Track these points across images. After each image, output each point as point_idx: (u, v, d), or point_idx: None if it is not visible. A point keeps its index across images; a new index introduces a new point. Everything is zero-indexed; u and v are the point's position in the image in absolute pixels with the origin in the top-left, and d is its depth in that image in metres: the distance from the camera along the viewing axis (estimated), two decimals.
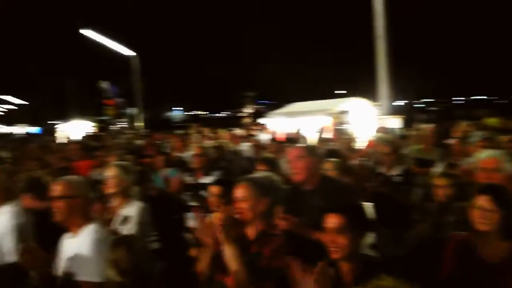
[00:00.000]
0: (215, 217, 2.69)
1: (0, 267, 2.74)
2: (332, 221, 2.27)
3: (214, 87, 58.04)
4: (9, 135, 39.33)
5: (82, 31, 19.26)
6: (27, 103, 53.51)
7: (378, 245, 3.59)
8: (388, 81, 11.14)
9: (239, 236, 2.66)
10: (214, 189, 3.52)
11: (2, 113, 61.75)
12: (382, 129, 8.77)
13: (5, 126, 56.24)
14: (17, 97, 53.00)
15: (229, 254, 2.54)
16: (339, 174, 4.18)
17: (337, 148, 6.37)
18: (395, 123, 10.78)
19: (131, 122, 26.23)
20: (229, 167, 5.73)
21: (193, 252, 3.48)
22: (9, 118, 59.64)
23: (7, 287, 2.63)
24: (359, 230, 2.30)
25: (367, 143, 7.90)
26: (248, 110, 29.09)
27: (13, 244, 2.88)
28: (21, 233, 2.93)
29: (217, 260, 2.62)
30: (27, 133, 40.75)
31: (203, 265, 2.75)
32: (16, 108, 56.70)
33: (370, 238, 3.48)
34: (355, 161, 5.64)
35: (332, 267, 2.26)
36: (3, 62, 52.55)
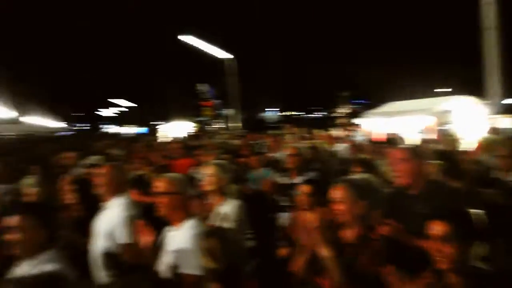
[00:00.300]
0: (310, 218, 2.64)
1: (112, 254, 2.95)
2: (437, 228, 2.10)
3: (308, 88, 57.69)
4: (118, 134, 43.10)
5: (181, 37, 20.35)
6: (136, 105, 58.25)
7: (491, 257, 3.27)
8: (499, 77, 10.14)
9: (335, 238, 2.58)
10: (304, 188, 3.48)
11: (116, 115, 68.00)
12: (494, 130, 8.02)
13: (117, 127, 61.86)
14: (128, 101, 58.07)
15: (325, 256, 2.48)
16: (446, 178, 3.88)
17: (446, 149, 5.94)
18: (508, 123, 9.79)
19: (227, 123, 27.18)
20: (324, 168, 5.64)
21: (284, 251, 3.48)
22: (121, 119, 65.47)
23: (117, 273, 2.83)
24: (468, 239, 2.10)
25: (474, 145, 7.27)
26: (343, 110, 28.55)
27: (125, 234, 3.10)
28: (132, 224, 3.15)
29: (313, 262, 2.57)
30: (136, 133, 44.23)
31: (298, 265, 2.72)
32: (127, 110, 62.01)
33: (481, 249, 3.17)
34: (463, 164, 5.21)
35: (437, 278, 2.09)
36: (118, 69, 57.62)
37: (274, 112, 69.24)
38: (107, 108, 68.80)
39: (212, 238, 2.47)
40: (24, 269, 2.43)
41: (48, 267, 2.30)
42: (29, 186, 4.50)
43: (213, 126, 30.99)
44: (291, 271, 2.79)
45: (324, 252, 2.49)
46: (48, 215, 2.66)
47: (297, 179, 4.89)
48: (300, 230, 2.74)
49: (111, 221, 3.17)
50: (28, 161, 8.26)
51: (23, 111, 40.91)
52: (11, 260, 2.56)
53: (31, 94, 44.49)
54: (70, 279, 1.90)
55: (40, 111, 46.31)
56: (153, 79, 46.42)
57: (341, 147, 8.64)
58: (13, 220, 2.49)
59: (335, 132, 12.78)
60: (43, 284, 1.75)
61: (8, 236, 2.49)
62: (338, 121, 24.14)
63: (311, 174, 4.86)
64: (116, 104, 63.56)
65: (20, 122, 36.23)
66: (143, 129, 50.16)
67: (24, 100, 41.93)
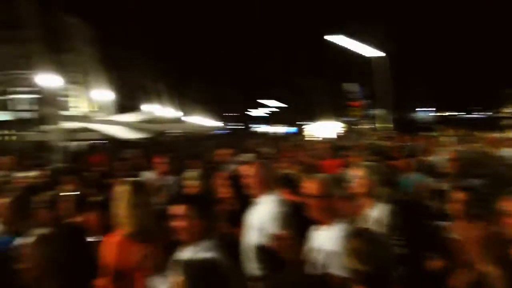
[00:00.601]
0: (473, 230, 2.38)
1: (264, 249, 3.07)
2: None
3: (468, 85, 52.12)
4: (266, 134, 45.17)
5: (328, 37, 20.29)
6: (286, 105, 60.42)
7: None
8: None
9: (505, 256, 2.27)
10: (460, 196, 3.15)
11: (266, 115, 71.55)
12: None
13: (267, 126, 65.02)
14: (278, 101, 60.63)
15: (492, 275, 2.20)
16: None
17: None
18: None
19: (376, 123, 26.26)
20: (489, 175, 5.04)
21: (437, 263, 3.21)
22: (271, 119, 68.65)
23: (269, 267, 2.94)
24: None
25: None
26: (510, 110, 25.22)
27: (276, 230, 3.20)
28: (283, 220, 3.24)
29: (476, 280, 2.30)
30: (285, 133, 45.80)
31: (457, 282, 2.47)
32: (277, 110, 64.76)
33: None
34: None
35: None
36: (268, 71, 60.40)
37: (427, 112, 64.44)
38: (258, 108, 72.70)
39: (359, 238, 2.40)
40: (187, 254, 2.68)
41: (208, 254, 2.50)
42: (191, 179, 4.97)
43: (361, 127, 30.27)
44: (448, 287, 2.55)
45: (491, 270, 2.21)
46: (208, 207, 2.90)
47: (454, 186, 4.46)
48: (461, 242, 2.48)
49: (263, 217, 3.30)
50: (190, 156, 9.17)
51: (186, 111, 45.65)
52: (176, 245, 2.87)
53: (193, 96, 49.36)
54: (226, 267, 2.04)
55: (199, 111, 51.10)
56: (302, 79, 47.38)
57: (509, 152, 7.64)
58: (179, 209, 2.78)
59: (502, 135, 11.36)
60: (206, 268, 1.90)
61: (174, 223, 2.79)
62: (505, 122, 21.44)
63: (473, 181, 4.38)
64: (266, 105, 66.84)
65: (183, 121, 40.41)
66: (292, 129, 51.67)
67: (187, 101, 46.78)
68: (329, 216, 2.86)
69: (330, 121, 32.99)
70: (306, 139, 20.90)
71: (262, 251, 2.98)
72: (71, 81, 28.98)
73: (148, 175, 6.42)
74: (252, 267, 3.21)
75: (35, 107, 29.73)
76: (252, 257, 3.21)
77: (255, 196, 3.55)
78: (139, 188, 3.32)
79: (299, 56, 52.95)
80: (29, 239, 2.62)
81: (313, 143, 13.80)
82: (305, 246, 2.97)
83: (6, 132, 30.91)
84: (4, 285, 2.79)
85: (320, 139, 16.35)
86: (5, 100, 32.07)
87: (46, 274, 2.53)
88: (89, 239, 3.85)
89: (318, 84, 43.98)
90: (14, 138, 29.92)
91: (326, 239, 2.79)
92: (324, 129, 26.81)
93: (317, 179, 2.97)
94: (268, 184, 3.52)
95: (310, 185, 2.93)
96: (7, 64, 30.21)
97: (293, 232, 3.07)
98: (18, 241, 2.80)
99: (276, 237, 2.90)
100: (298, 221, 3.20)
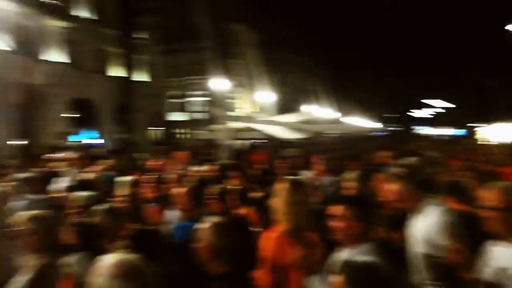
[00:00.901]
0: None
1: (435, 261, 2.84)
2: None
3: None
4: (431, 136, 42.00)
5: (508, 27, 17.84)
6: (453, 106, 55.41)
7: None
8: None
9: None
10: None
11: (430, 116, 66.58)
12: None
13: (431, 128, 60.45)
14: (444, 101, 55.90)
15: None
16: None
17: None
18: None
19: None
20: None
21: None
22: (435, 120, 63.69)
23: (442, 281, 2.72)
24: None
25: None
26: None
27: (444, 242, 2.91)
28: (452, 232, 2.93)
29: None
30: (452, 135, 42.03)
31: None
32: (443, 111, 59.76)
33: None
34: None
35: None
36: (434, 68, 55.82)
37: None
38: (422, 109, 68.07)
39: None
40: (343, 255, 2.63)
41: (366, 257, 2.41)
42: (350, 180, 4.90)
43: None
44: None
45: None
46: (366, 209, 2.82)
47: None
48: None
49: (428, 226, 3.01)
50: (348, 157, 9.07)
51: (344, 112, 45.33)
52: (333, 245, 2.85)
53: (352, 96, 48.72)
54: (386, 272, 1.92)
55: (358, 112, 50.15)
56: (475, 76, 42.58)
57: None
58: (337, 209, 2.75)
59: None
60: (368, 270, 1.84)
61: (332, 223, 2.77)
62: None
63: None
64: (430, 105, 62.16)
65: (341, 122, 40.16)
66: (460, 131, 47.06)
67: (346, 102, 46.42)
68: (509, 230, 2.48)
69: (510, 123, 29.00)
70: (479, 142, 18.77)
71: (433, 265, 2.74)
72: (237, 84, 31.37)
73: (306, 174, 6.54)
74: (419, 278, 2.98)
75: (206, 109, 33.09)
76: (418, 268, 2.98)
77: (410, 211, 3.25)
78: (298, 187, 3.38)
79: (472, 50, 47.50)
80: (204, 225, 2.92)
81: (489, 147, 12.30)
82: (479, 262, 2.64)
83: (182, 130, 35.24)
84: (185, 263, 3.16)
85: (497, 143, 14.46)
86: (183, 103, 36.47)
87: (216, 256, 2.80)
88: (250, 230, 4.11)
89: (495, 82, 39.06)
90: (188, 136, 33.93)
91: (506, 257, 2.43)
92: (501, 132, 23.68)
93: (498, 188, 2.56)
94: (416, 196, 3.14)
95: (489, 195, 2.55)
96: (185, 71, 34.37)
97: (465, 245, 2.75)
98: (195, 226, 3.12)
99: (449, 250, 2.63)
100: (469, 234, 2.86)
